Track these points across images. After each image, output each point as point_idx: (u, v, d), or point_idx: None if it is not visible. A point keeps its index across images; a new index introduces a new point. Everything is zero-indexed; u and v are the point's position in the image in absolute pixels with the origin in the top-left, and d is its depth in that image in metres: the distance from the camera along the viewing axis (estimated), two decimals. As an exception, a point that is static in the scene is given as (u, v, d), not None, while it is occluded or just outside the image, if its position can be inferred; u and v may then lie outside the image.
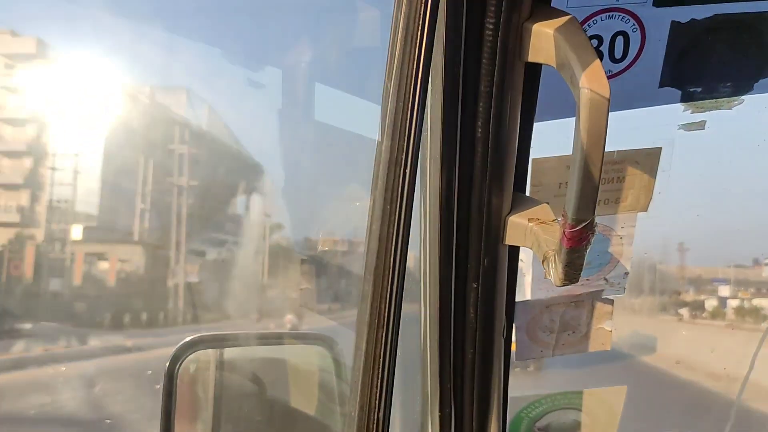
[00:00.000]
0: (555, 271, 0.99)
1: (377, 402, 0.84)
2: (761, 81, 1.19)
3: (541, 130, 1.18)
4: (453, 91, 0.94)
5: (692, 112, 1.22)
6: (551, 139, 1.19)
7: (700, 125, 1.25)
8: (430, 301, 1.19)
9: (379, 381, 0.84)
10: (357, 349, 0.87)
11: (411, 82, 0.76)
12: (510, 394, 1.57)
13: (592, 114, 0.83)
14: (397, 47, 0.76)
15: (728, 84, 1.18)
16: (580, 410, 1.63)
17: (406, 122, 0.77)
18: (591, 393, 1.62)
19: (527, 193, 1.23)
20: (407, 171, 0.78)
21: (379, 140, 0.80)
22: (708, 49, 1.13)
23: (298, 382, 1.66)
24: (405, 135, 0.78)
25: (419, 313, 1.25)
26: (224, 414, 1.57)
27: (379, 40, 0.86)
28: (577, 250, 0.94)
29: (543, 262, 1.03)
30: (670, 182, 1.27)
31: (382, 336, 0.83)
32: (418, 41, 0.75)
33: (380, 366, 0.84)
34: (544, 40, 0.91)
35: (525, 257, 1.32)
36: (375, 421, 0.85)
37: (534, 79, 1.03)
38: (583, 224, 0.91)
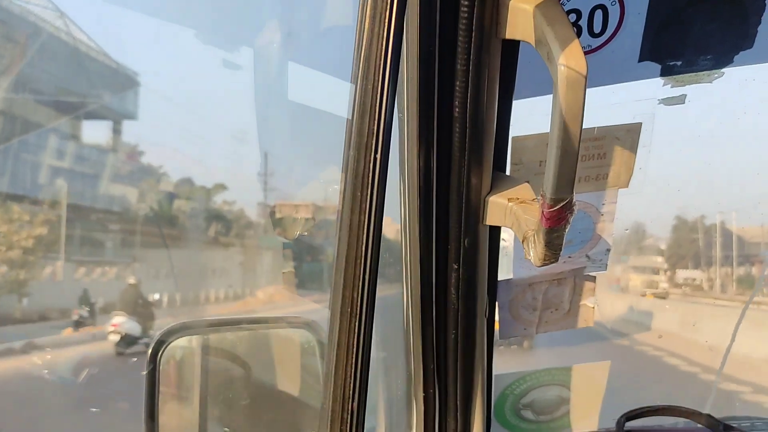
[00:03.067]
0: (535, 251, 0.98)
1: (351, 392, 0.83)
2: (742, 53, 1.18)
3: (523, 106, 1.17)
4: (429, 70, 0.91)
5: (672, 86, 1.21)
6: (534, 117, 1.18)
7: (681, 99, 1.24)
8: (412, 283, 1.18)
9: (353, 371, 0.83)
10: (330, 339, 0.85)
11: (380, 64, 0.74)
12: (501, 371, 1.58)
13: (569, 91, 0.81)
14: (365, 28, 0.73)
15: (708, 57, 1.17)
16: (563, 386, 1.64)
17: (375, 105, 0.75)
18: (575, 369, 1.63)
19: (507, 172, 1.21)
20: (378, 156, 0.76)
21: (349, 125, 0.78)
22: (688, 22, 1.12)
23: (284, 366, 1.65)
24: (375, 119, 0.75)
25: (402, 294, 1.24)
26: (210, 398, 1.56)
27: (352, 18, 0.83)
28: (556, 230, 0.92)
29: (523, 241, 1.02)
30: (651, 157, 1.27)
31: (355, 325, 0.82)
32: (386, 20, 0.73)
33: (354, 356, 0.83)
34: (520, 17, 0.89)
35: (507, 236, 1.31)
36: (349, 412, 0.84)
37: (512, 56, 1.01)
38: (562, 204, 0.90)
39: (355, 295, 0.81)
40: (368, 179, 0.77)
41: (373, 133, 0.76)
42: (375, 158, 0.76)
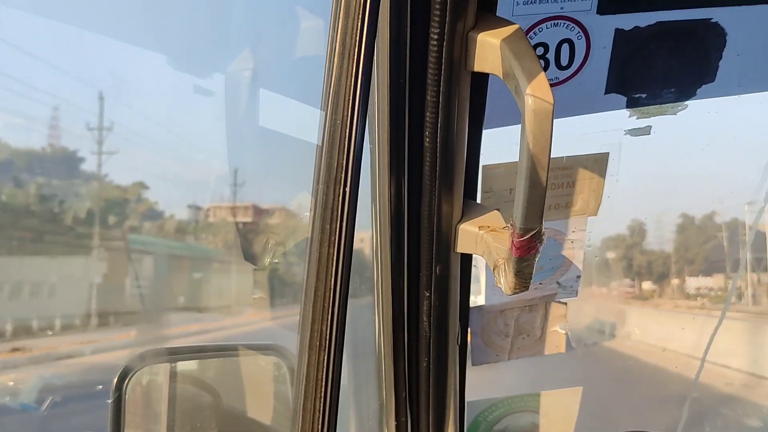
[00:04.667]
0: (505, 280, 0.99)
1: (320, 427, 0.82)
2: (704, 86, 1.21)
3: (493, 135, 1.19)
4: (399, 101, 0.93)
5: (638, 118, 1.24)
6: (506, 145, 1.19)
7: (646, 130, 1.27)
8: (384, 310, 1.18)
9: (322, 405, 0.82)
10: (298, 373, 0.85)
11: (349, 98, 0.75)
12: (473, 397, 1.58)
13: (536, 123, 0.83)
14: (335, 62, 0.74)
15: (672, 89, 1.20)
16: (536, 412, 1.64)
17: (345, 138, 0.76)
18: (546, 395, 1.63)
19: (478, 200, 1.23)
20: (347, 189, 0.77)
21: (318, 156, 0.78)
22: (652, 56, 1.15)
23: (253, 392, 1.63)
24: (344, 152, 0.76)
25: (373, 321, 1.24)
26: (177, 427, 1.53)
27: (324, 48, 0.83)
28: (526, 259, 0.94)
29: (494, 270, 1.03)
30: (619, 186, 1.29)
31: (324, 359, 0.81)
32: (355, 55, 0.74)
33: (322, 390, 0.82)
34: (489, 50, 0.91)
35: (478, 263, 1.32)
36: None
37: (481, 87, 1.02)
38: (531, 233, 0.91)
39: (324, 329, 0.80)
40: (338, 212, 0.77)
41: (342, 167, 0.76)
42: (345, 191, 0.77)
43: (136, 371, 1.46)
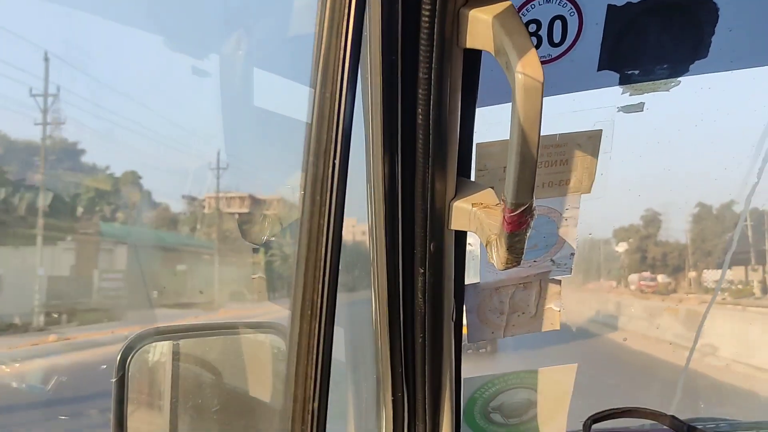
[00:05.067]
0: (497, 255, 1.00)
1: (312, 393, 0.84)
2: (697, 62, 1.22)
3: (490, 113, 1.19)
4: (392, 79, 0.93)
5: (631, 95, 1.25)
6: (501, 124, 1.20)
7: (639, 107, 1.27)
8: (379, 288, 1.19)
9: (314, 372, 0.84)
10: (290, 341, 0.86)
11: (338, 71, 0.75)
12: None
13: (526, 99, 0.84)
14: (323, 37, 0.75)
15: (665, 66, 1.20)
16: (531, 389, 1.66)
17: (334, 112, 0.76)
18: (542, 372, 1.65)
19: (472, 178, 1.24)
20: (336, 162, 0.78)
21: (308, 130, 0.79)
22: (644, 32, 1.15)
23: (254, 371, 1.65)
24: (333, 125, 0.77)
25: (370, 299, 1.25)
26: (180, 404, 1.55)
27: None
28: (518, 234, 0.95)
29: (486, 246, 1.04)
30: (612, 163, 1.30)
31: (315, 327, 0.83)
32: (343, 30, 0.74)
33: (314, 357, 0.84)
34: (480, 26, 0.91)
35: (473, 241, 1.33)
36: (310, 412, 0.85)
37: (473, 64, 1.03)
38: (522, 208, 0.92)
39: (315, 298, 0.82)
40: (327, 184, 0.78)
41: (332, 140, 0.77)
42: (334, 164, 0.78)
43: (138, 349, 1.48)
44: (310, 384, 0.83)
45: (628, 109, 1.27)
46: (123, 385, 1.45)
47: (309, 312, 0.82)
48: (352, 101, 0.80)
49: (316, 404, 0.84)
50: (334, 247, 0.81)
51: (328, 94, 0.76)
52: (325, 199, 0.79)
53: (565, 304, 1.49)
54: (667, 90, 1.25)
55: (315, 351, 0.83)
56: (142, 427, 1.50)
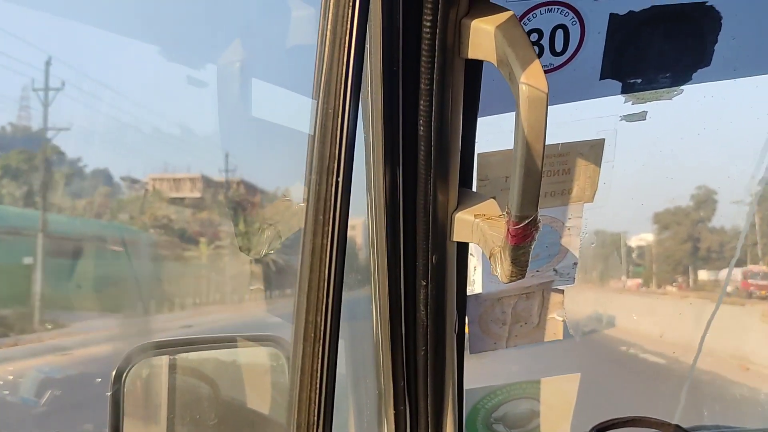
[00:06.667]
0: (501, 268, 0.99)
1: (315, 419, 0.82)
2: (699, 71, 1.21)
3: (490, 123, 1.18)
4: (393, 90, 0.92)
5: (633, 104, 1.24)
6: (502, 133, 1.19)
7: (642, 116, 1.26)
8: (381, 300, 1.18)
9: (318, 397, 0.82)
10: (293, 364, 0.84)
11: (341, 87, 0.74)
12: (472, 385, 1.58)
13: (531, 111, 0.82)
14: (326, 51, 0.73)
15: (667, 75, 1.19)
16: (534, 399, 1.64)
17: (337, 128, 0.75)
18: (545, 382, 1.64)
19: (474, 188, 1.22)
20: (340, 180, 0.76)
21: (310, 146, 0.77)
22: (646, 41, 1.14)
23: (253, 384, 1.64)
24: (336, 142, 0.75)
25: (371, 312, 1.24)
26: (177, 418, 1.53)
27: (316, 38, 0.83)
28: (522, 246, 0.93)
29: (490, 258, 1.02)
30: (614, 173, 1.29)
31: (318, 350, 0.81)
32: (346, 44, 0.73)
33: (318, 381, 0.82)
34: (482, 37, 0.90)
35: (475, 251, 1.32)
36: None
37: (475, 74, 1.02)
38: (527, 221, 0.91)
39: (319, 320, 0.80)
40: (330, 203, 0.77)
41: (335, 157, 0.76)
42: (337, 182, 0.76)
43: (135, 364, 1.46)
44: (314, 409, 0.82)
45: (630, 118, 1.25)
46: (119, 399, 1.43)
47: (312, 335, 0.80)
48: (355, 116, 0.78)
49: (320, 430, 0.82)
50: (338, 267, 0.80)
51: (331, 109, 0.75)
52: (328, 218, 0.77)
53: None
54: (670, 99, 1.24)
55: (318, 375, 0.81)
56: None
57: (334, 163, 0.76)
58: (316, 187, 0.77)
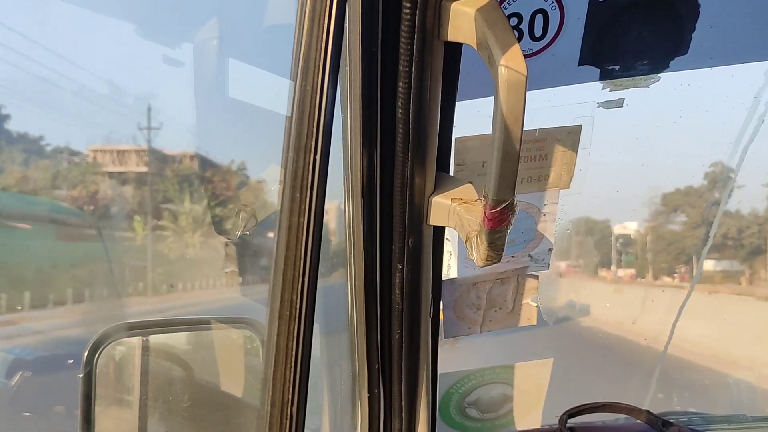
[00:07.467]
0: (477, 252, 0.99)
1: (290, 397, 0.82)
2: (677, 59, 1.21)
3: (468, 107, 1.18)
4: (371, 71, 0.91)
5: (611, 90, 1.24)
6: (479, 118, 1.18)
7: (619, 103, 1.27)
8: (356, 283, 1.17)
9: (292, 375, 0.82)
10: (268, 342, 0.84)
11: (319, 65, 0.73)
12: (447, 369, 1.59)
13: (509, 94, 0.82)
14: (304, 29, 0.72)
15: (645, 62, 1.20)
16: (507, 384, 1.66)
17: (315, 106, 0.74)
18: (518, 366, 1.65)
19: (451, 173, 1.22)
20: (317, 158, 0.75)
21: (288, 125, 0.76)
22: (625, 27, 1.15)
23: (226, 366, 1.63)
24: (314, 120, 0.74)
25: (347, 295, 1.24)
26: (150, 401, 1.52)
27: (294, 17, 0.81)
28: (498, 230, 0.93)
29: (466, 242, 1.02)
30: (591, 159, 1.29)
31: (294, 328, 0.80)
32: (325, 22, 0.72)
33: (293, 359, 0.81)
34: (462, 19, 0.89)
35: (450, 236, 1.32)
36: (288, 417, 0.82)
37: (454, 57, 1.01)
38: (504, 205, 0.91)
39: (294, 298, 0.79)
40: (308, 181, 0.76)
41: (312, 135, 0.75)
42: (314, 159, 0.75)
43: (107, 345, 1.44)
44: (289, 387, 0.81)
45: (607, 104, 1.26)
46: (90, 381, 1.41)
47: (288, 313, 0.79)
48: (334, 95, 0.77)
49: (294, 408, 0.82)
50: (314, 246, 0.79)
51: (309, 87, 0.74)
52: (305, 196, 0.76)
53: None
54: (647, 86, 1.25)
55: (294, 353, 0.81)
56: (110, 424, 1.46)
57: (311, 141, 0.75)
58: (293, 166, 0.75)
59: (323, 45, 0.73)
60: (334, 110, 0.79)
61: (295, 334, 0.81)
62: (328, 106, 0.76)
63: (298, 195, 0.76)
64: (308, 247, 0.78)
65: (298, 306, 0.80)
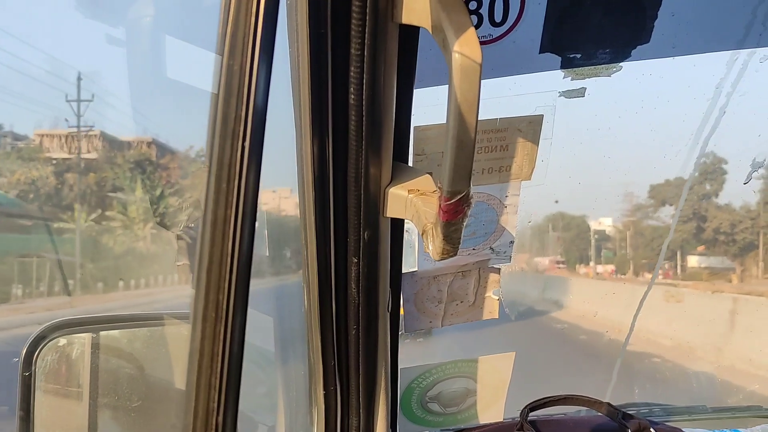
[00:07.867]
0: (433, 245, 0.96)
1: (216, 405, 0.76)
2: (639, 48, 1.19)
3: (428, 95, 1.14)
4: (320, 54, 0.86)
5: (572, 79, 1.21)
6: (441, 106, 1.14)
7: (580, 92, 1.24)
8: (310, 278, 1.13)
9: (218, 382, 0.76)
10: (191, 347, 0.78)
11: (248, 41, 0.67)
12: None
13: (463, 80, 0.78)
14: (231, 1, 0.66)
15: (606, 50, 1.17)
16: (470, 378, 1.63)
17: (244, 87, 0.68)
18: (480, 360, 1.63)
19: (410, 163, 1.18)
20: (246, 144, 0.70)
21: (212, 108, 0.70)
22: (587, 14, 1.12)
23: (174, 363, 1.57)
24: (243, 103, 0.69)
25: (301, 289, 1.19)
26: (93, 400, 1.45)
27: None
28: (454, 223, 0.90)
29: (422, 234, 0.99)
30: (552, 150, 1.26)
31: (220, 331, 0.75)
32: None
33: (219, 364, 0.76)
34: (417, 1, 0.85)
35: (411, 228, 1.29)
36: (214, 427, 0.77)
37: (411, 42, 0.97)
38: (459, 196, 0.87)
39: (221, 298, 0.74)
40: (236, 169, 0.70)
41: (241, 119, 0.69)
42: (243, 146, 0.70)
43: (48, 341, 1.37)
44: (214, 395, 0.75)
45: (569, 94, 1.23)
46: (30, 379, 1.34)
47: (213, 314, 0.73)
48: (268, 75, 0.72)
49: (221, 418, 0.76)
50: (245, 240, 0.73)
51: (237, 66, 0.68)
52: (233, 186, 0.70)
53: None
54: (609, 75, 1.22)
55: (220, 358, 0.75)
56: (50, 424, 1.39)
57: (240, 126, 0.69)
58: (219, 152, 0.70)
59: (253, 19, 0.67)
60: (268, 93, 0.73)
61: (222, 338, 0.75)
62: (259, 88, 0.70)
63: (224, 185, 0.71)
64: (236, 242, 0.73)
65: (225, 307, 0.74)
